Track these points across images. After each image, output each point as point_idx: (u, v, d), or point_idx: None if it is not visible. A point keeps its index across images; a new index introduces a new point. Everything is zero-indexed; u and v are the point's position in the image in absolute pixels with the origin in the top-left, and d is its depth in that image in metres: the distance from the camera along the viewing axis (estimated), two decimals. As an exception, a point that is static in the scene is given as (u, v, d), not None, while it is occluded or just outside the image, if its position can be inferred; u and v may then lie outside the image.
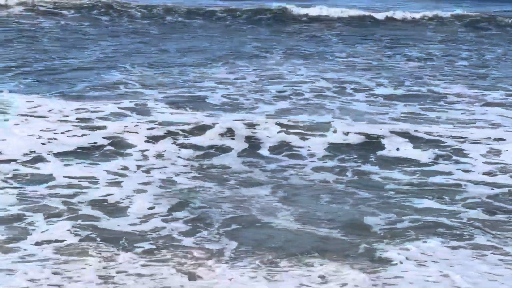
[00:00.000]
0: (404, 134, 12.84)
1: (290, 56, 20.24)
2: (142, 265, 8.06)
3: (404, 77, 18.00)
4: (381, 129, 13.00)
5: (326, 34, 24.30)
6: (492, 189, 10.70)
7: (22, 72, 17.07)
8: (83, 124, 12.84)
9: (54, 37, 22.13)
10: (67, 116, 13.33)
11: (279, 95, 15.74)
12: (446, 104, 15.43)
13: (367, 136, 12.73)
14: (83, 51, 19.96)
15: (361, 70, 18.66)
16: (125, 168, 11.13)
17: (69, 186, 10.30)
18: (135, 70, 17.86)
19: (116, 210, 9.59)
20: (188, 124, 12.97)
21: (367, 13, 25.83)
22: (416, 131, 13.01)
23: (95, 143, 12.07)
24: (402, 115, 14.50)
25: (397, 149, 12.26)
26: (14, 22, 24.68)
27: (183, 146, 12.16)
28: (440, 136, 12.86)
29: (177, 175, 10.88)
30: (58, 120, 13.09)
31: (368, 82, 17.34)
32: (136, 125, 12.79)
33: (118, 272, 7.88)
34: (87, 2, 28.13)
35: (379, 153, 12.14)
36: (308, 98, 15.62)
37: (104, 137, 12.27)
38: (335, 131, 12.87)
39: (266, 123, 13.11)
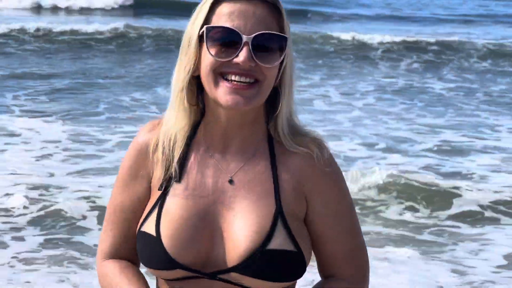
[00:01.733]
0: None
1: (330, 78, 19.24)
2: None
3: (444, 104, 16.86)
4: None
5: (372, 56, 23.19)
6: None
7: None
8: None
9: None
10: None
11: (308, 122, 14.69)
12: (491, 132, 14.31)
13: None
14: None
15: (398, 95, 17.57)
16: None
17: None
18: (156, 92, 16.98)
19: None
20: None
21: (420, 39, 24.65)
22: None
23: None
24: (440, 143, 13.38)
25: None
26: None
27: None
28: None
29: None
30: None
31: (405, 108, 16.27)
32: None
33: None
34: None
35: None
36: (340, 123, 14.57)
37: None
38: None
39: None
